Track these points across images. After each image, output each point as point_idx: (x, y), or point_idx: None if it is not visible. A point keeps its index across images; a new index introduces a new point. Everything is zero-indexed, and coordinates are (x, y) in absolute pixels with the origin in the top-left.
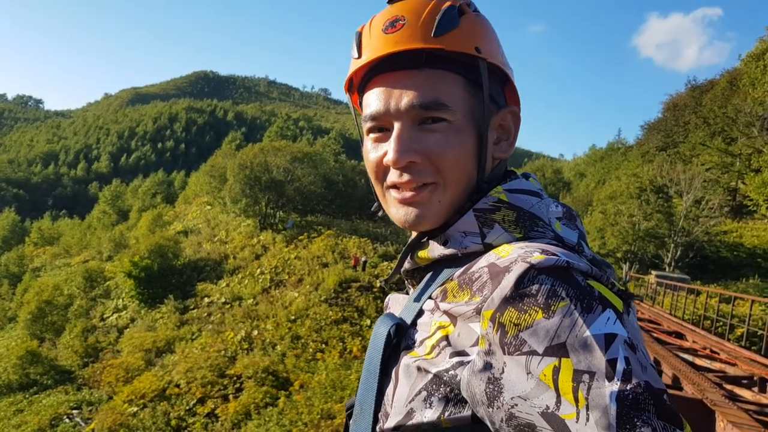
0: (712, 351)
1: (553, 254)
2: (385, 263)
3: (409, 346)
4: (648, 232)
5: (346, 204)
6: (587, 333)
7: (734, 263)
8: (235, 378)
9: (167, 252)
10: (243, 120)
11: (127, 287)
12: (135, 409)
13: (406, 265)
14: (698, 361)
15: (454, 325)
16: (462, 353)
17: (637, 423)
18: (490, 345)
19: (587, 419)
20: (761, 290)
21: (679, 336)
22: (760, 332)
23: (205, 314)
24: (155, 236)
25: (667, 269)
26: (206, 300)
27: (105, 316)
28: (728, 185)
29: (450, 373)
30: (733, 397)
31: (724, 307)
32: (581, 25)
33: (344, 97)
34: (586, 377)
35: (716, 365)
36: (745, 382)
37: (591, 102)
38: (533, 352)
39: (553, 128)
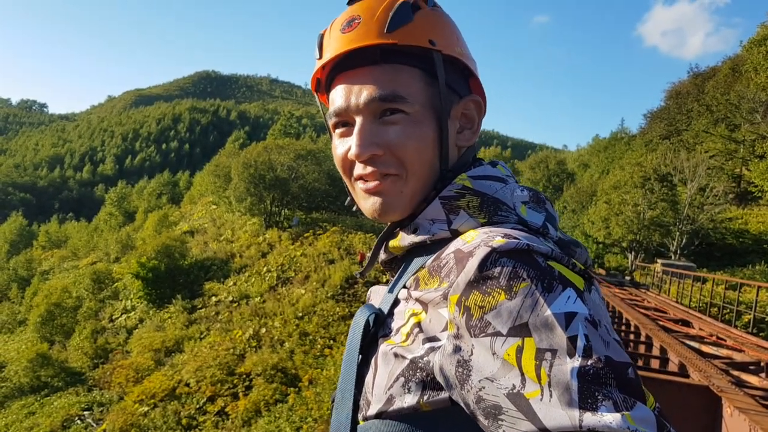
0: (718, 338)
1: (515, 238)
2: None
3: (387, 335)
4: (653, 220)
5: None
6: (548, 312)
7: (740, 250)
8: (244, 376)
9: (174, 252)
10: (246, 119)
11: (135, 288)
12: (146, 408)
13: (383, 256)
14: (705, 348)
15: (426, 312)
16: (433, 339)
17: (599, 397)
18: (458, 329)
19: (550, 396)
20: None
21: (686, 324)
22: (767, 318)
23: (213, 313)
24: (162, 237)
25: (672, 257)
26: (214, 299)
27: (114, 317)
28: (732, 172)
29: (424, 359)
30: (740, 383)
31: (730, 294)
32: (586, 15)
33: None
34: (548, 355)
35: (723, 352)
36: (752, 368)
37: (595, 92)
38: (498, 333)
39: (557, 119)
